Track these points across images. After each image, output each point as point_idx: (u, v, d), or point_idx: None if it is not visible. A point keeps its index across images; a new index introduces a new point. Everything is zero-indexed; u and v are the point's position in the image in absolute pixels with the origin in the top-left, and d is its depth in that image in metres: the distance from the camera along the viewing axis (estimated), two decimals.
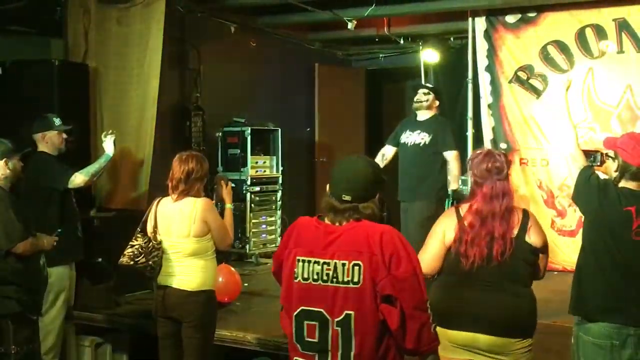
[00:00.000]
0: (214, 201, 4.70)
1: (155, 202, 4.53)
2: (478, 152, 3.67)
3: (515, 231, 3.46)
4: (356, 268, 2.61)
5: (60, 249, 4.89)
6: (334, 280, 2.64)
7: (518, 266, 3.46)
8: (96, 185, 6.78)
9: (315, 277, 2.68)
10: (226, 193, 4.71)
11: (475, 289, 3.45)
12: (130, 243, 4.42)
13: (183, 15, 7.88)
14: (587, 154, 3.84)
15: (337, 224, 2.72)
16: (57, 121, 5.58)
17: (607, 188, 3.57)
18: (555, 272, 6.90)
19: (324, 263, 2.67)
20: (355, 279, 2.61)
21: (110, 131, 5.95)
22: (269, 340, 5.26)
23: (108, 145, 5.83)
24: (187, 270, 4.42)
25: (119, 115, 7.12)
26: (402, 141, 6.65)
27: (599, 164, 3.73)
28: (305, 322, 2.70)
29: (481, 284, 3.44)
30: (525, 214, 3.54)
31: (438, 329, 2.70)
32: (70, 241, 5.42)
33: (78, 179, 5.51)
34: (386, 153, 6.79)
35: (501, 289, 3.44)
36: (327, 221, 2.75)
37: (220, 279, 5.66)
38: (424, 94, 6.70)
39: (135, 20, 7.23)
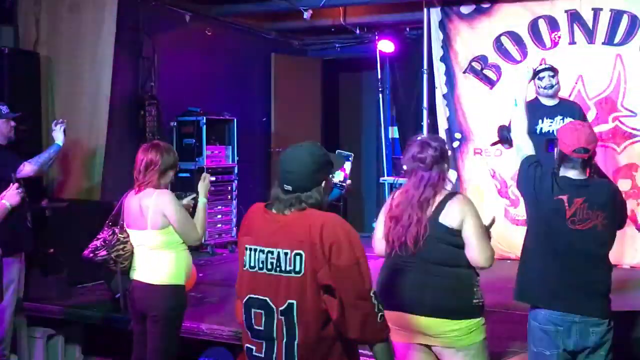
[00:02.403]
0: (194, 194, 4.55)
1: (125, 195, 4.38)
2: (414, 139, 3.60)
3: (429, 213, 3.40)
4: (297, 257, 2.61)
5: (9, 239, 4.79)
6: (278, 269, 2.65)
7: (437, 248, 3.39)
8: (48, 175, 6.68)
9: (261, 265, 2.69)
10: (202, 186, 4.55)
11: (400, 270, 3.44)
12: (97, 236, 4.30)
13: (137, 3, 7.77)
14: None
15: (281, 213, 2.72)
16: (4, 109, 5.47)
17: (544, 177, 3.57)
18: (509, 261, 6.95)
19: (269, 252, 2.67)
20: (297, 269, 2.61)
21: (61, 120, 5.86)
22: (223, 330, 5.24)
23: (58, 134, 5.73)
24: (153, 263, 4.25)
25: (71, 104, 7.04)
26: (544, 131, 5.84)
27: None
28: (253, 310, 2.71)
29: (405, 267, 3.43)
30: (449, 196, 3.43)
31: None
32: (20, 232, 5.32)
33: (27, 168, 5.42)
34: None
35: (424, 271, 3.39)
36: (273, 210, 2.75)
37: None
38: (552, 76, 5.90)
39: (87, 8, 7.15)
